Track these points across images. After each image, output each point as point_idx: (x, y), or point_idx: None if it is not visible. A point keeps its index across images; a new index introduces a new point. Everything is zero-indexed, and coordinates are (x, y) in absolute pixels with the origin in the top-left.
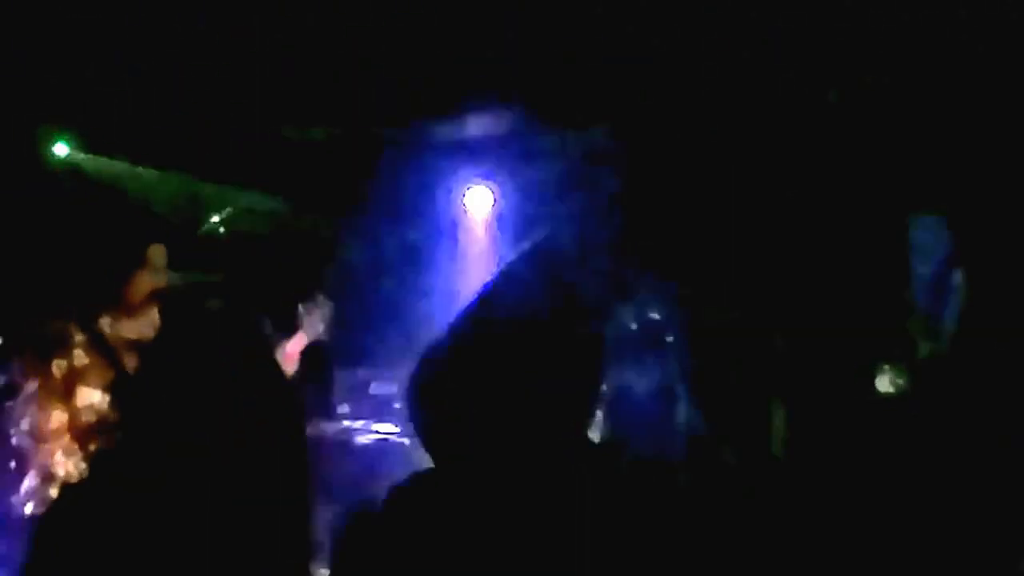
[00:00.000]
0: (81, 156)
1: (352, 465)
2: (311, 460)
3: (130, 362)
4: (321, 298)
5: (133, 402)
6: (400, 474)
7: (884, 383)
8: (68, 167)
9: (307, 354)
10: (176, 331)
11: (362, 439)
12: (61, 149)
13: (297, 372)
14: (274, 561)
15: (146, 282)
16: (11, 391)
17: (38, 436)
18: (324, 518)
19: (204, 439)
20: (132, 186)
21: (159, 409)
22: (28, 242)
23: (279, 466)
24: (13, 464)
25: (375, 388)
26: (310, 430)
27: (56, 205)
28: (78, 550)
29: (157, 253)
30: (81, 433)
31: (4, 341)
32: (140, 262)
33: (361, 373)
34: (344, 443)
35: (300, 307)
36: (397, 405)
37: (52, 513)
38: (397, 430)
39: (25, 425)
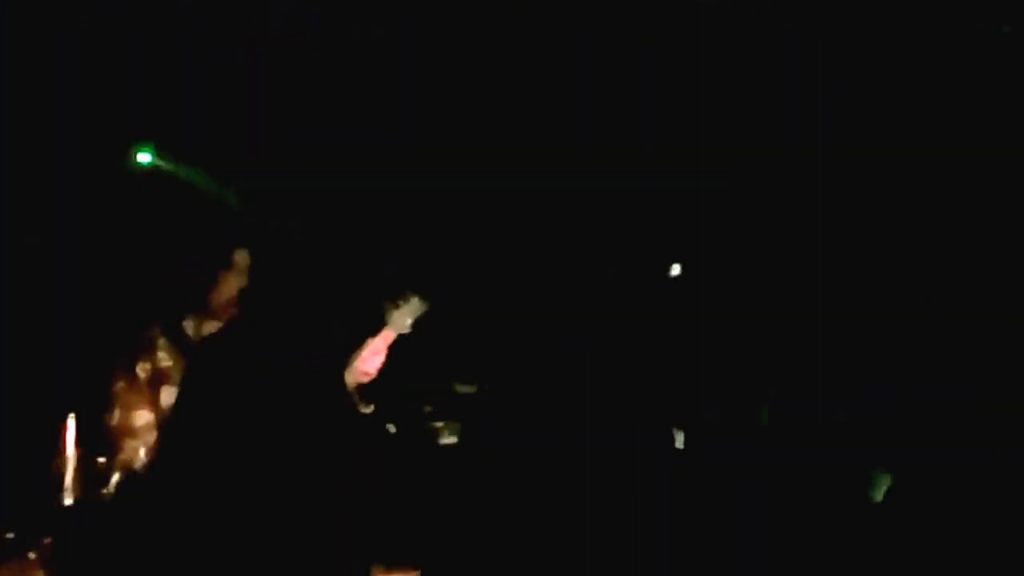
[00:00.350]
0: (164, 164)
1: (435, 463)
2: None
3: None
4: (410, 295)
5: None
6: (482, 474)
7: None
8: (152, 174)
9: (393, 350)
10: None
11: (446, 439)
12: (144, 156)
13: (382, 368)
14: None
15: (231, 285)
16: (99, 392)
17: (124, 433)
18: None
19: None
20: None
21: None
22: (114, 246)
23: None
24: (103, 460)
25: (461, 387)
26: (393, 428)
27: (141, 210)
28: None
29: (242, 256)
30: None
31: (93, 344)
32: (227, 265)
33: (446, 372)
34: (428, 442)
35: (387, 302)
36: (481, 405)
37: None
38: (481, 430)
39: (112, 423)
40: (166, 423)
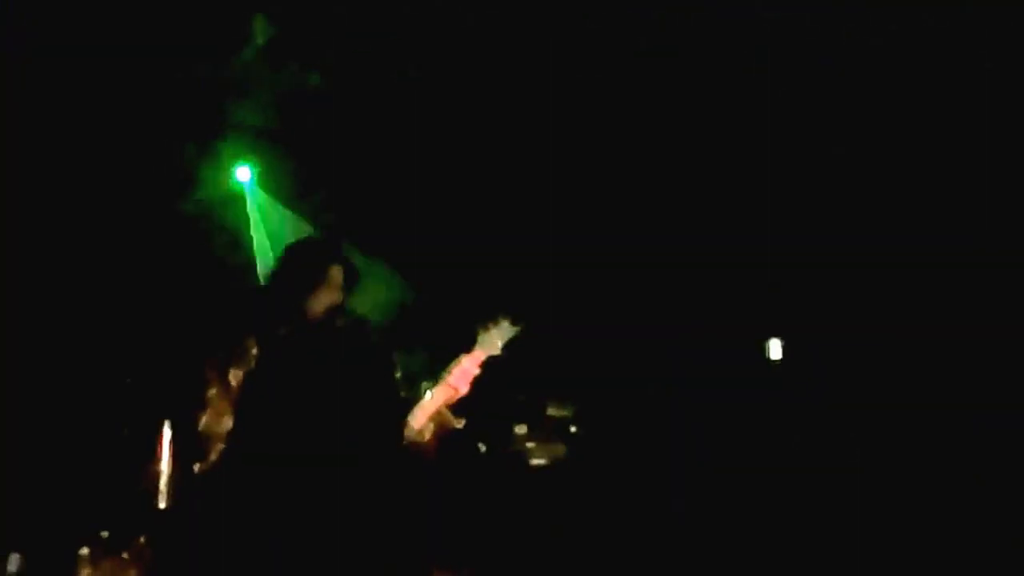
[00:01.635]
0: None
1: (526, 486)
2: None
3: None
4: (501, 317)
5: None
6: (571, 497)
7: None
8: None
9: (484, 372)
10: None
11: (537, 460)
12: (244, 174)
13: (473, 389)
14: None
15: (325, 299)
16: (193, 399)
17: (216, 439)
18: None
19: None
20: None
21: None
22: (212, 258)
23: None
24: (196, 467)
25: (551, 410)
26: (483, 447)
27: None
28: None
29: (336, 272)
30: None
31: (188, 353)
32: (322, 280)
33: (538, 394)
34: (519, 464)
35: (479, 324)
36: (573, 429)
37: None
38: (570, 454)
39: (204, 428)
40: (248, 427)
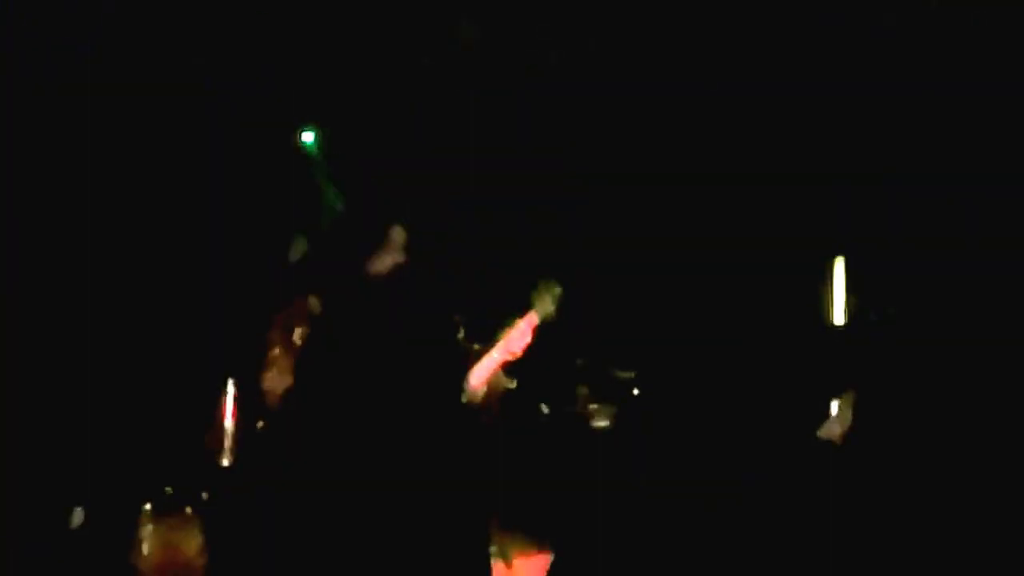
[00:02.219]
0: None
1: (588, 447)
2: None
3: None
4: (553, 280)
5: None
6: (635, 459)
7: None
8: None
9: (540, 334)
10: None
11: (599, 422)
12: (308, 136)
13: (527, 351)
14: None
15: (387, 259)
16: (261, 359)
17: (278, 395)
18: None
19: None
20: None
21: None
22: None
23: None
24: (260, 423)
25: (619, 373)
26: (546, 409)
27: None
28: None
29: (397, 233)
30: None
31: (252, 312)
32: (382, 240)
33: (601, 356)
34: (580, 425)
35: (532, 287)
36: (636, 390)
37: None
38: (635, 415)
39: (266, 384)
40: (309, 386)
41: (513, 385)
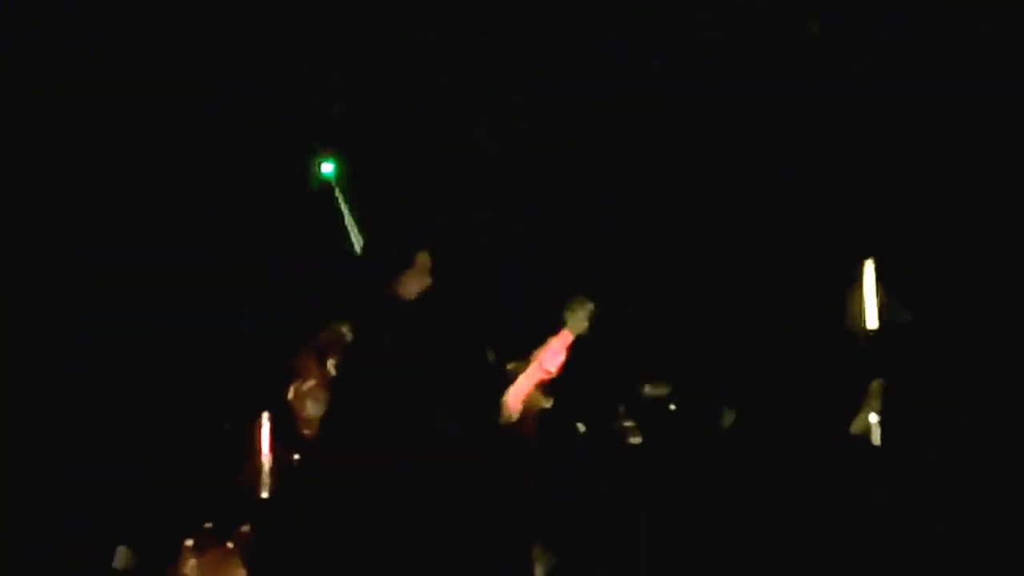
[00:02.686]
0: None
1: (622, 465)
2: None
3: None
4: (586, 297)
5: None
6: (669, 476)
7: None
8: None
9: (574, 352)
10: None
11: (635, 439)
12: (327, 168)
13: (563, 369)
14: None
15: (415, 284)
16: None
17: (316, 425)
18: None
19: None
20: None
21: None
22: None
23: None
24: (296, 457)
25: (649, 389)
26: (582, 427)
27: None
28: None
29: (424, 257)
30: None
31: (286, 344)
32: (408, 265)
33: (636, 373)
34: (617, 443)
35: (565, 305)
36: (672, 407)
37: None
38: (669, 433)
39: (304, 415)
40: (343, 415)
41: (549, 404)
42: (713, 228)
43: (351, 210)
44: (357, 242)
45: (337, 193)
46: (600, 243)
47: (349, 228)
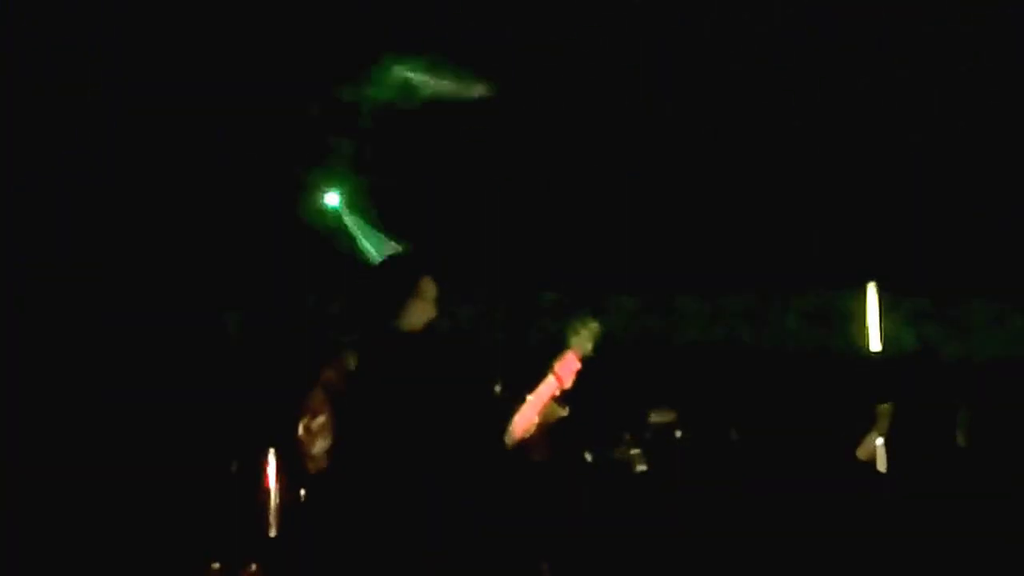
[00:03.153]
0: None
1: (629, 493)
2: None
3: None
4: (588, 317)
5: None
6: (677, 505)
7: None
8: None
9: (580, 376)
10: None
11: (641, 467)
12: (333, 199)
13: (567, 393)
14: None
15: (419, 313)
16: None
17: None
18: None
19: None
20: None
21: None
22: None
23: None
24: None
25: (655, 416)
26: (589, 456)
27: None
28: None
29: (428, 285)
30: None
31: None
32: (412, 293)
33: (639, 401)
34: (623, 471)
35: (568, 327)
36: (678, 433)
37: None
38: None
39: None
40: (349, 445)
41: (566, 412)
42: (717, 252)
43: (362, 229)
44: (377, 252)
45: (345, 218)
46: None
47: (364, 247)
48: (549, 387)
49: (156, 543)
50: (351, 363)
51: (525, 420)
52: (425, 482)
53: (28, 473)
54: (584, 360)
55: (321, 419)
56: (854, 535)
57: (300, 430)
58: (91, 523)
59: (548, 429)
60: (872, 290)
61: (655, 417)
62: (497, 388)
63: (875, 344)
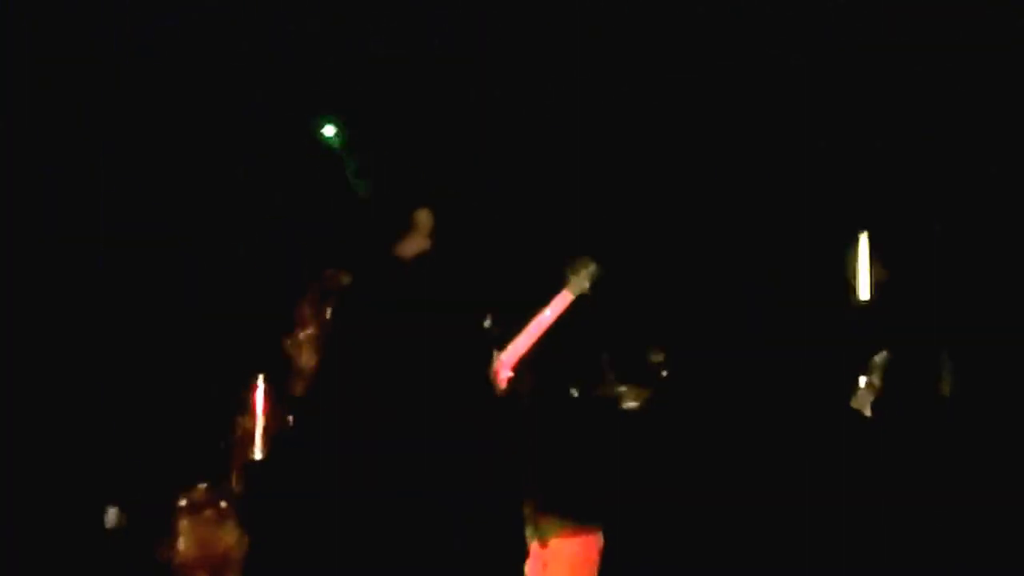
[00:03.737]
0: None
1: (617, 430)
2: None
3: None
4: (585, 257)
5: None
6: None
7: None
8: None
9: (574, 312)
10: None
11: (629, 404)
12: (329, 130)
13: (563, 330)
14: None
15: (413, 244)
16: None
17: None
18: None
19: None
20: None
21: None
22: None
23: None
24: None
25: (647, 355)
26: (576, 392)
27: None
28: None
29: (424, 217)
30: None
31: (288, 293)
32: (407, 225)
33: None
34: (612, 407)
35: (566, 266)
36: (665, 373)
37: None
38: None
39: (302, 364)
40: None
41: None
42: (708, 200)
43: (354, 165)
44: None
45: (340, 151)
46: (598, 211)
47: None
48: (541, 323)
49: (139, 461)
50: (344, 280)
51: (513, 355)
52: (411, 412)
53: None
54: (579, 299)
55: (309, 331)
56: (843, 481)
57: (288, 342)
58: (75, 442)
59: (534, 365)
60: (864, 240)
61: (648, 355)
62: (487, 322)
63: (864, 293)
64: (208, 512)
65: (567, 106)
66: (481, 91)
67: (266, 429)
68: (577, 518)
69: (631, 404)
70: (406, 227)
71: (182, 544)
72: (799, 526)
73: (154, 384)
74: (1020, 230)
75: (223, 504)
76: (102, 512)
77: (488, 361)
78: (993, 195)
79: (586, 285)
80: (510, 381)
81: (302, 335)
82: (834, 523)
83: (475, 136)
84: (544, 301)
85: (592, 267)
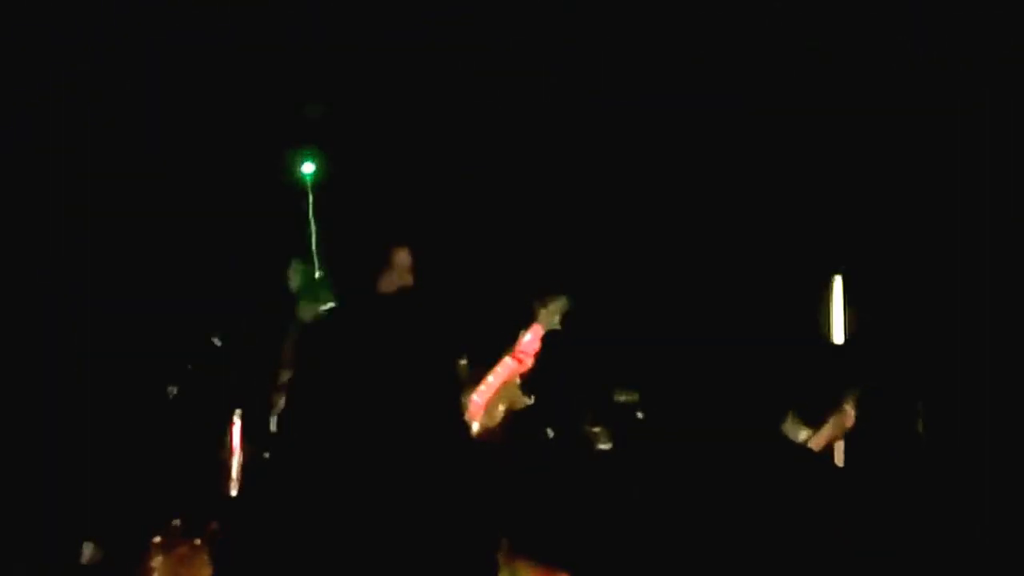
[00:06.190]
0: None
1: (589, 470)
2: None
3: None
4: (555, 293)
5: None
6: (637, 482)
7: None
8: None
9: (545, 350)
10: None
11: (603, 445)
12: (308, 168)
13: (533, 368)
14: None
15: (390, 282)
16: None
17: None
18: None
19: None
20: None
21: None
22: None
23: None
24: (266, 455)
25: (618, 395)
26: (551, 432)
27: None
28: None
29: (401, 255)
30: None
31: (259, 343)
32: (384, 262)
33: (604, 378)
34: (586, 448)
35: (536, 300)
36: (640, 415)
37: None
38: (637, 439)
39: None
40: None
41: (531, 401)
42: (686, 238)
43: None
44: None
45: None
46: (573, 248)
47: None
48: (505, 368)
49: (116, 498)
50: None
51: (486, 394)
52: (384, 451)
53: None
54: (551, 335)
55: (287, 374)
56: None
57: (273, 384)
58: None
59: (509, 416)
60: (838, 282)
61: (618, 396)
62: (463, 362)
63: (838, 336)
64: (182, 549)
65: (537, 144)
66: (452, 126)
67: (242, 466)
68: (550, 560)
69: (605, 445)
70: (384, 265)
71: None
72: (775, 568)
73: (130, 421)
74: (996, 271)
75: (196, 541)
76: (78, 548)
77: (461, 400)
78: (968, 238)
79: (556, 320)
80: (482, 420)
81: (283, 379)
82: (812, 564)
83: (447, 171)
84: (515, 337)
85: (562, 301)
